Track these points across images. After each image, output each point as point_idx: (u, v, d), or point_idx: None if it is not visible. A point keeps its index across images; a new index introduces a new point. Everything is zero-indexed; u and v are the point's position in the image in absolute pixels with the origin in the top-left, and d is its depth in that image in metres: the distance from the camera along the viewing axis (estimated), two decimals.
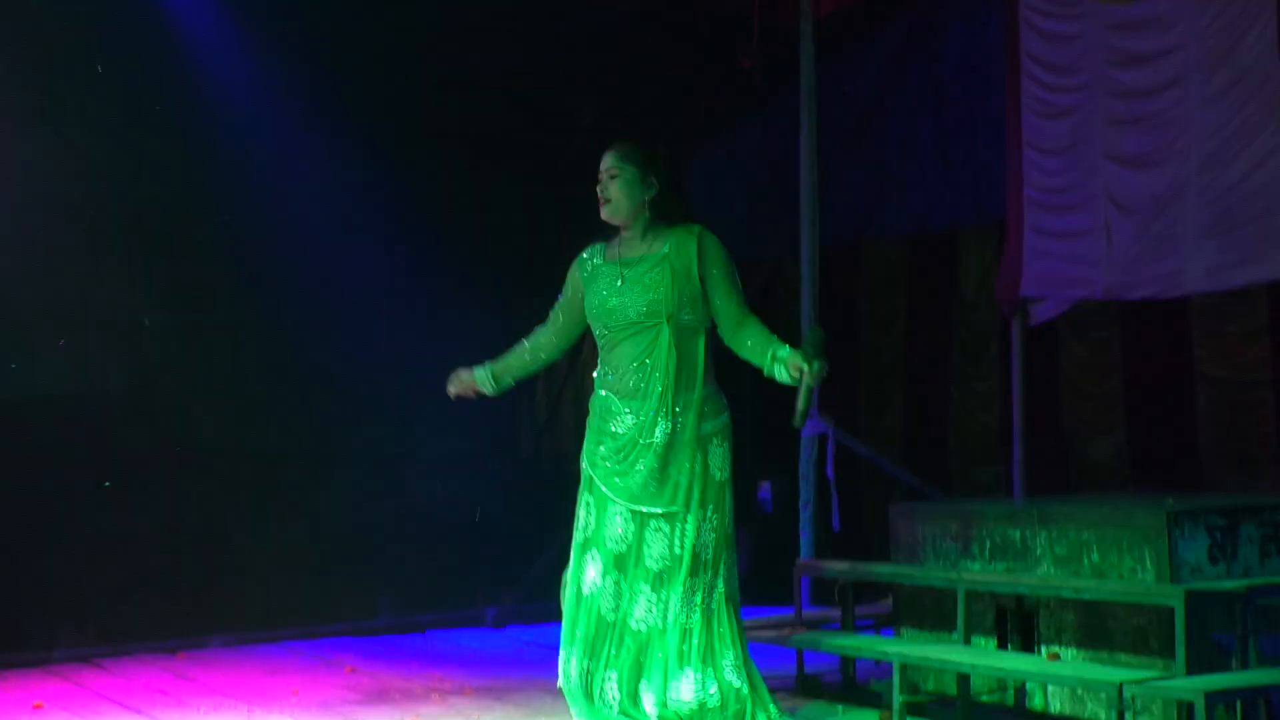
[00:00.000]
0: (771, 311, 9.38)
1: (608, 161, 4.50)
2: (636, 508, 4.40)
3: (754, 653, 6.14)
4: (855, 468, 8.03)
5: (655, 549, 4.40)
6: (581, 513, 4.55)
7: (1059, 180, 6.82)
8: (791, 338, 7.99)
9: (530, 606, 8.00)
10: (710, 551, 4.50)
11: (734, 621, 4.61)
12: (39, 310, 7.19)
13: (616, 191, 4.46)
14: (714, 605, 4.53)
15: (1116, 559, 5.12)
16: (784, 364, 4.35)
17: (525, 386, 9.48)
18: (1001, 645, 5.51)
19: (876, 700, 5.74)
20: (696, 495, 4.45)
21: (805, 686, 6.08)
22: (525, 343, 4.77)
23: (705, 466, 4.49)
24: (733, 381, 9.30)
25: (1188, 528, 4.98)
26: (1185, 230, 6.26)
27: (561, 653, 4.66)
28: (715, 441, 4.53)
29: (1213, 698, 4.44)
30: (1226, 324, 7.01)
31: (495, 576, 8.11)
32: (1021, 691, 5.44)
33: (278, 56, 7.48)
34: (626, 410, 4.38)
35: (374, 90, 7.79)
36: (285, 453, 7.79)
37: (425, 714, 5.76)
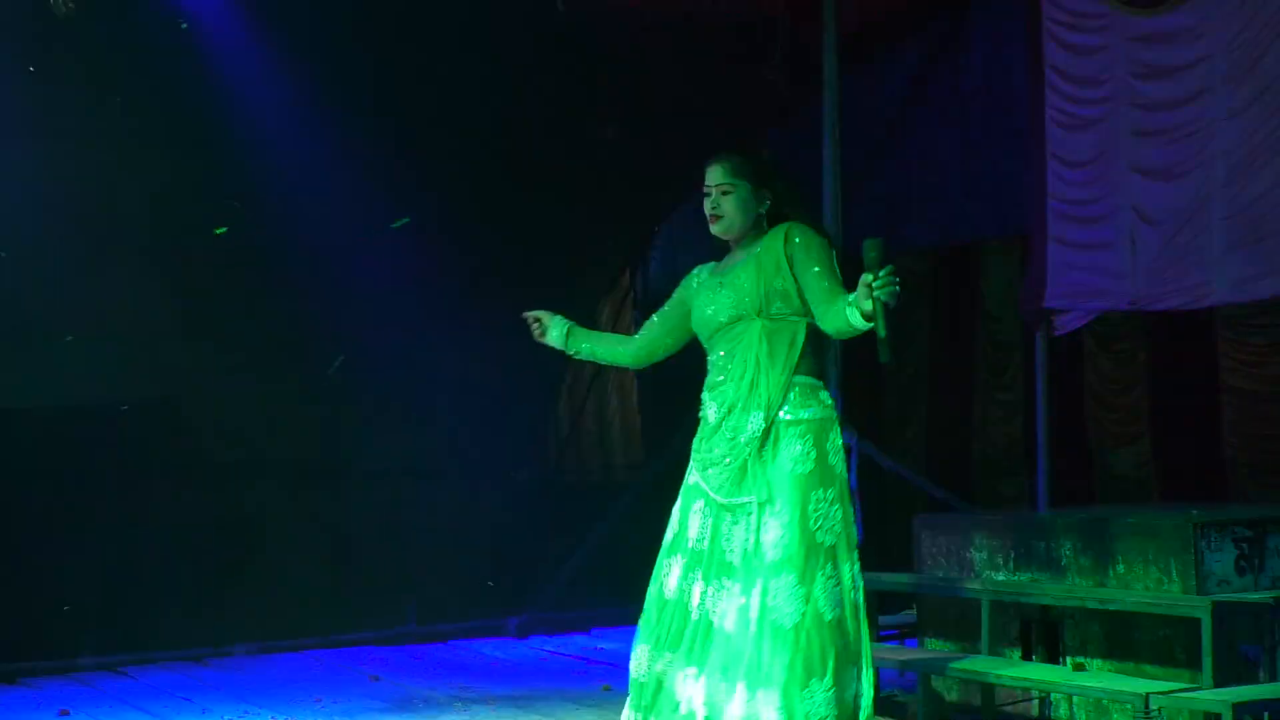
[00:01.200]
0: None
1: (717, 177, 4.31)
2: (716, 498, 4.18)
3: None
4: (879, 479, 8.02)
5: (734, 540, 4.13)
6: (674, 512, 4.31)
7: (1083, 192, 6.82)
8: None
9: (553, 616, 8.01)
10: (784, 550, 4.05)
11: (825, 638, 4.05)
12: (63, 320, 7.23)
13: (731, 209, 4.28)
14: (794, 616, 4.02)
15: (1142, 570, 5.10)
16: (851, 305, 3.93)
17: (549, 399, 9.54)
18: (1026, 656, 5.49)
19: (901, 711, 5.73)
20: (772, 487, 4.10)
21: None
22: (620, 337, 4.70)
23: (779, 457, 4.12)
24: None
25: (1214, 539, 4.97)
26: (1210, 242, 6.25)
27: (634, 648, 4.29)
28: (797, 432, 4.14)
29: (1240, 709, 4.43)
30: (1252, 335, 6.99)
31: (518, 586, 8.12)
32: (1046, 702, 5.43)
33: (296, 68, 7.52)
34: (713, 402, 4.24)
35: (393, 100, 7.83)
36: (310, 462, 7.83)
37: None
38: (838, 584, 4.10)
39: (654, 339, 4.49)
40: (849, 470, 7.35)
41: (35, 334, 7.13)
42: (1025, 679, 5.21)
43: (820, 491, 4.13)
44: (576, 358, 4.65)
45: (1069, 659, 5.33)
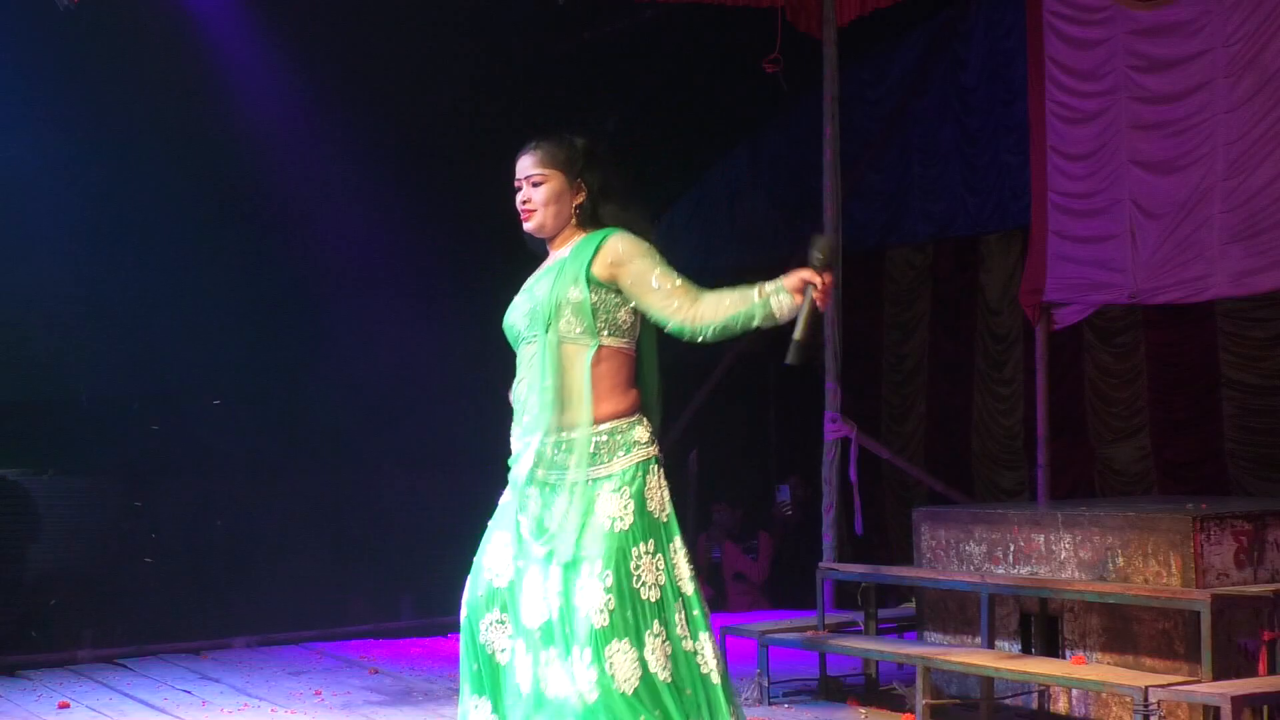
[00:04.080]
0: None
1: (527, 166, 3.73)
2: (531, 540, 3.63)
3: (777, 655, 6.18)
4: (878, 471, 8.03)
5: (529, 597, 3.60)
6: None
7: (1083, 185, 6.82)
8: (814, 340, 8.00)
9: None
10: (593, 619, 3.48)
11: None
12: (66, 315, 7.22)
13: (539, 202, 3.71)
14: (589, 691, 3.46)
15: (1142, 563, 5.11)
16: (783, 290, 3.49)
17: None
18: (1025, 649, 5.50)
19: (900, 703, 5.73)
20: (579, 543, 3.55)
21: (828, 689, 6.08)
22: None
23: (591, 512, 3.57)
24: (750, 382, 9.35)
25: (1214, 532, 4.97)
26: (1210, 235, 6.25)
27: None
28: (612, 484, 3.58)
29: (1239, 702, 4.43)
30: (1252, 329, 6.99)
31: None
32: (1045, 695, 5.43)
33: (297, 66, 7.50)
34: (516, 431, 3.70)
35: (393, 98, 7.82)
36: (309, 456, 7.82)
37: (448, 715, 5.77)
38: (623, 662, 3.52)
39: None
40: (849, 462, 7.43)
41: (34, 329, 7.12)
42: (1024, 672, 5.21)
43: (643, 551, 3.56)
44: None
45: (1068, 652, 5.33)
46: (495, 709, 3.70)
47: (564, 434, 3.61)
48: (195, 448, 7.60)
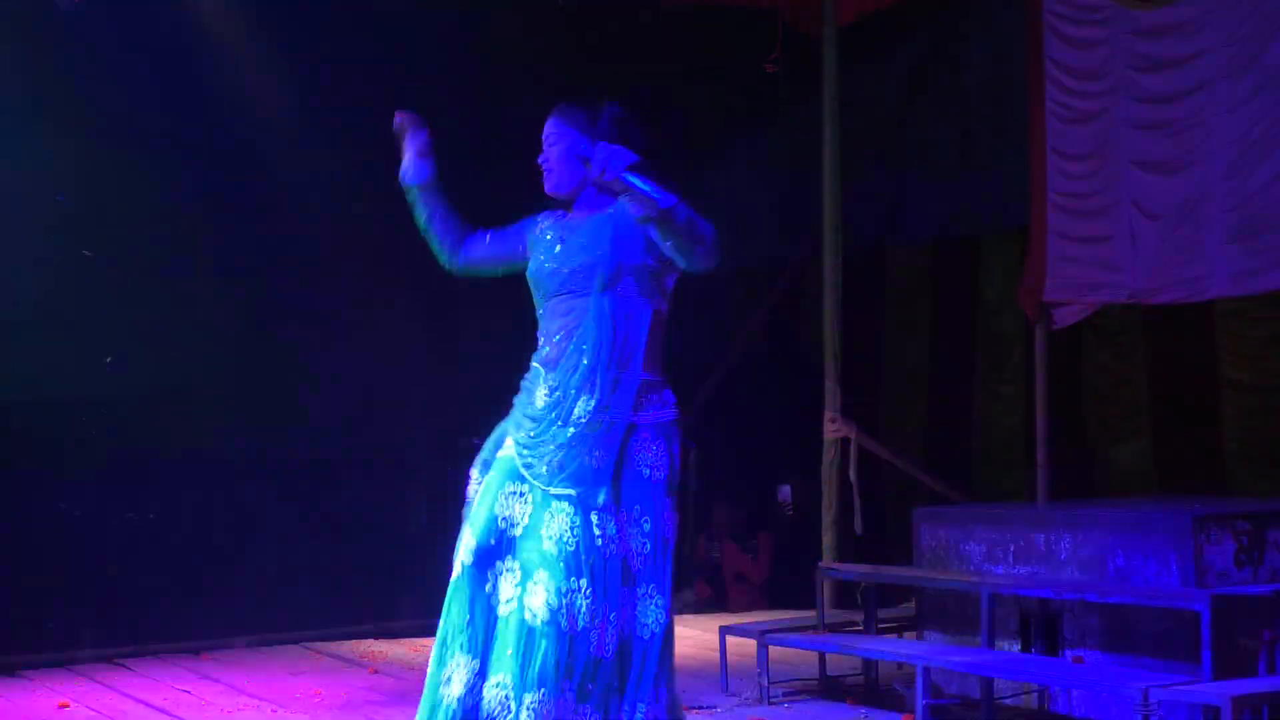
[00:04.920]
0: (793, 316, 9.42)
1: (547, 126, 3.91)
2: (545, 487, 3.70)
3: (777, 655, 6.18)
4: (878, 471, 8.02)
5: (554, 528, 3.66)
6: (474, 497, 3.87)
7: (1083, 185, 6.81)
8: (813, 340, 8.00)
9: None
10: (639, 561, 3.68)
11: (662, 658, 3.70)
12: (62, 316, 7.22)
13: (553, 161, 3.86)
14: (639, 632, 3.67)
15: (1142, 563, 5.11)
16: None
17: None
18: (1025, 649, 5.50)
19: (900, 703, 5.73)
20: (616, 488, 3.69)
21: (828, 689, 6.08)
22: (464, 231, 4.07)
23: (630, 460, 3.72)
24: (750, 382, 9.34)
25: (1214, 532, 4.98)
26: (1210, 235, 6.25)
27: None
28: (651, 436, 3.74)
29: (1239, 703, 4.43)
30: (1252, 329, 6.98)
31: None
32: (1045, 695, 5.43)
33: (292, 65, 7.50)
34: (548, 382, 3.74)
35: (389, 93, 7.80)
36: (307, 455, 7.81)
37: None
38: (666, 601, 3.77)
39: (485, 256, 3.99)
40: (849, 462, 7.42)
41: (34, 328, 7.11)
42: (1024, 673, 5.22)
43: (669, 504, 3.75)
44: (409, 198, 4.15)
45: (1068, 652, 5.33)
46: (485, 668, 3.69)
47: (611, 383, 3.70)
48: (195, 447, 7.59)
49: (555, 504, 3.70)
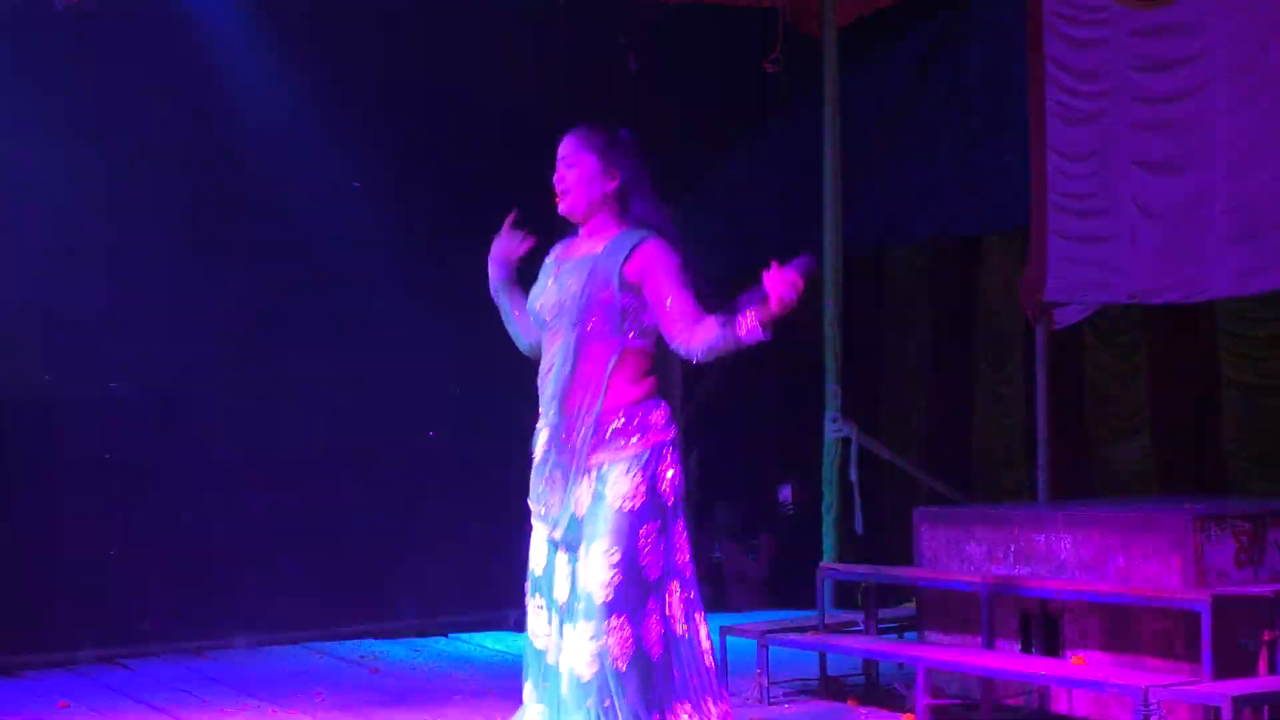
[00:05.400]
0: (795, 315, 9.40)
1: (563, 148, 3.91)
2: (549, 531, 3.84)
3: (777, 655, 6.18)
4: (878, 471, 8.02)
5: (559, 577, 3.82)
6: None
7: (1083, 185, 6.81)
8: (814, 340, 8.00)
9: None
10: (600, 595, 3.69)
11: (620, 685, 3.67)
12: (69, 314, 7.21)
13: (570, 183, 3.87)
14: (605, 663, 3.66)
15: (1142, 563, 5.11)
16: (755, 326, 3.64)
17: None
18: (1026, 649, 5.50)
19: (900, 703, 5.73)
20: (592, 523, 3.73)
21: (829, 689, 6.08)
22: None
23: (597, 493, 3.75)
24: (750, 382, 9.34)
25: (1214, 532, 4.97)
26: (1211, 235, 6.24)
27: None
28: (625, 469, 3.74)
29: (1239, 702, 4.43)
30: (1252, 329, 6.98)
31: (517, 579, 8.10)
32: (1045, 695, 5.43)
33: (293, 66, 7.49)
34: (541, 423, 3.87)
35: (390, 98, 7.81)
36: (307, 456, 7.80)
37: (448, 715, 5.78)
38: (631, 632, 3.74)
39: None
40: (850, 462, 7.42)
41: (34, 327, 7.11)
42: (1024, 672, 5.21)
43: (641, 529, 3.73)
44: (501, 305, 4.14)
45: (1068, 652, 5.33)
46: (539, 696, 3.92)
47: (579, 419, 3.76)
48: (196, 447, 7.59)
49: (558, 545, 3.84)
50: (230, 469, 7.68)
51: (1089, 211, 6.77)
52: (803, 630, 6.24)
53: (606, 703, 3.66)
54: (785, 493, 9.24)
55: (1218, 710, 4.48)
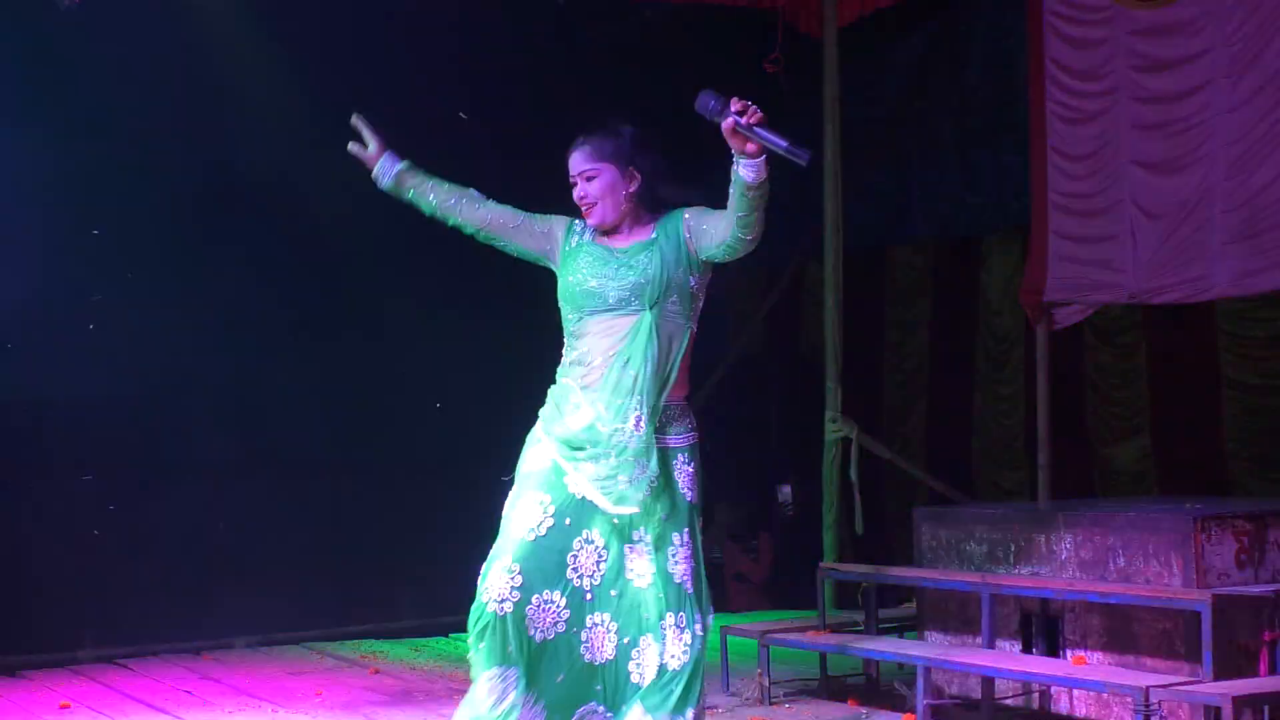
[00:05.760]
0: (795, 315, 9.42)
1: (580, 163, 3.93)
2: (610, 515, 3.83)
3: (777, 655, 6.18)
4: (878, 471, 8.03)
5: (583, 563, 3.84)
6: (536, 513, 3.86)
7: (1084, 185, 6.82)
8: (815, 340, 7.99)
9: None
10: (687, 584, 3.86)
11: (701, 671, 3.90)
12: (68, 314, 7.22)
13: (599, 194, 3.90)
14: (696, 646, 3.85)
15: (1142, 563, 5.11)
16: (736, 161, 3.66)
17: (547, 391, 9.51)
18: (1026, 649, 5.50)
19: (901, 703, 5.73)
20: (664, 510, 3.86)
21: (829, 689, 6.08)
22: (467, 191, 4.09)
23: (671, 480, 3.90)
24: (750, 382, 9.33)
25: (1215, 532, 4.97)
26: (1211, 235, 6.25)
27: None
28: (684, 458, 3.94)
29: (1240, 702, 4.43)
30: (1252, 329, 6.99)
31: None
32: (1046, 695, 5.43)
33: (298, 66, 7.49)
34: (591, 403, 3.81)
35: (389, 98, 7.79)
36: (308, 456, 7.81)
37: (448, 715, 5.76)
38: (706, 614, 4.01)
39: (507, 227, 4.00)
40: (849, 462, 7.41)
41: (34, 327, 7.11)
42: (1025, 672, 5.22)
43: (698, 525, 3.98)
44: (399, 197, 4.20)
45: (1068, 652, 5.33)
46: (531, 683, 3.83)
47: (650, 401, 3.81)
48: (196, 447, 7.59)
49: (616, 533, 3.86)
50: (230, 469, 7.68)
51: (1089, 211, 6.77)
52: (803, 630, 6.24)
53: (688, 687, 3.80)
54: (785, 493, 9.24)
55: (1218, 710, 4.48)
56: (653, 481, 3.82)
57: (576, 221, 4.02)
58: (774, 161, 3.69)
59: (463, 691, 6.18)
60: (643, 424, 3.80)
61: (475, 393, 7.88)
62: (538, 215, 4.06)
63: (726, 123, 3.63)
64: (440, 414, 8.01)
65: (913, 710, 5.42)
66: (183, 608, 7.37)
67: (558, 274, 3.98)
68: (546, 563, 3.81)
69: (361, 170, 4.35)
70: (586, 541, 3.85)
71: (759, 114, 3.61)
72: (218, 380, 7.61)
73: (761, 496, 9.37)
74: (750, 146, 3.62)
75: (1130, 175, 6.56)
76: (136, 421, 7.41)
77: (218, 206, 7.53)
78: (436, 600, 7.99)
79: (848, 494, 7.49)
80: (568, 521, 3.85)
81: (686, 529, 3.88)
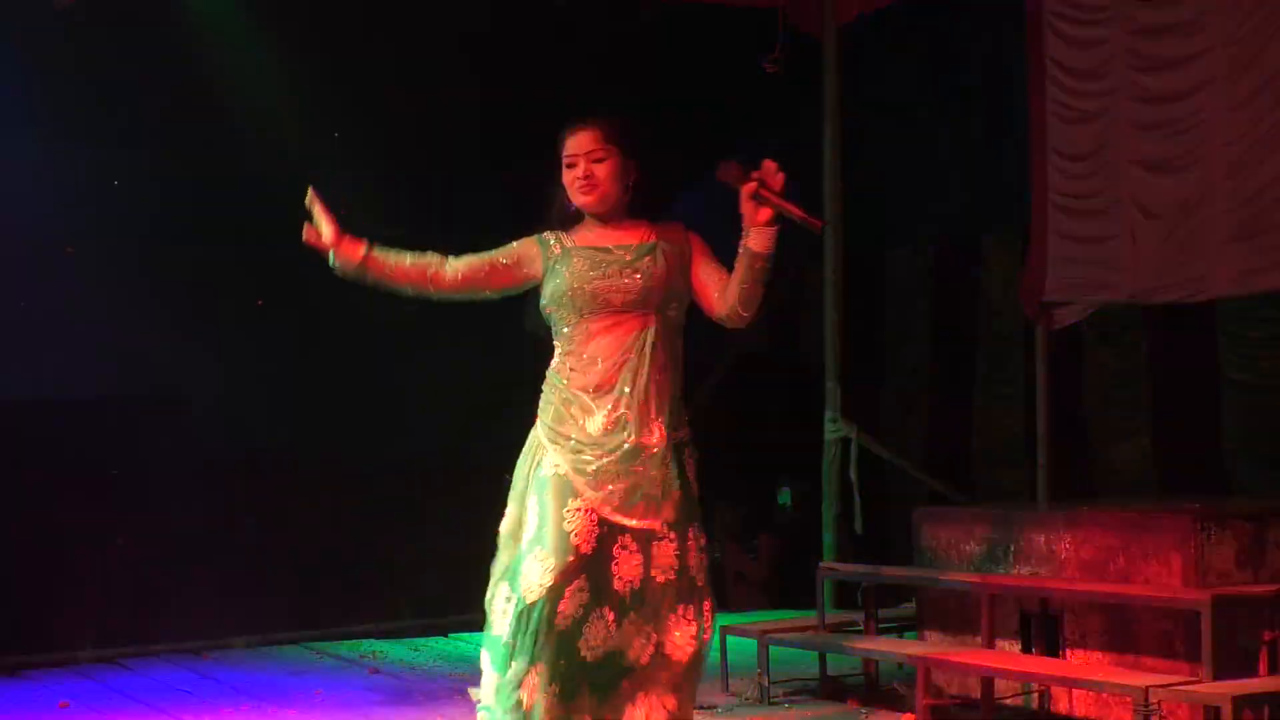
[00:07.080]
0: (795, 315, 9.41)
1: (587, 143, 3.81)
2: (610, 518, 3.74)
3: (777, 655, 6.18)
4: (878, 471, 8.02)
5: (625, 568, 3.75)
6: (532, 518, 3.81)
7: (1084, 185, 6.81)
8: (815, 341, 8.00)
9: None
10: (700, 577, 3.85)
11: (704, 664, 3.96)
12: (68, 315, 7.21)
13: (604, 178, 3.80)
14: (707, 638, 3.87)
15: (1142, 563, 5.11)
16: (749, 232, 3.68)
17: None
18: (1026, 649, 5.50)
19: (900, 703, 5.73)
20: (681, 509, 3.83)
21: (828, 689, 6.08)
22: (429, 257, 3.94)
23: (684, 478, 3.86)
24: (750, 382, 9.33)
25: (1214, 532, 4.97)
26: (1211, 235, 6.24)
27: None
28: (688, 452, 3.93)
29: (1239, 702, 4.43)
30: (1252, 329, 6.99)
31: None
32: (1045, 695, 5.43)
33: (305, 63, 7.49)
34: (599, 408, 3.77)
35: (389, 99, 7.81)
36: (308, 457, 7.81)
37: (448, 715, 5.77)
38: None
39: (480, 277, 3.90)
40: (849, 462, 7.41)
41: (33, 328, 7.11)
42: (1024, 672, 5.21)
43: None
44: (368, 282, 4.06)
45: (1068, 652, 5.33)
46: (553, 678, 3.70)
47: (658, 403, 3.81)
48: (196, 448, 7.59)
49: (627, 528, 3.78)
50: (230, 469, 7.68)
51: (1089, 211, 6.77)
52: (803, 630, 6.24)
53: (694, 681, 3.89)
54: (785, 493, 9.24)
55: (1218, 710, 4.48)
56: (670, 485, 3.83)
57: (546, 233, 3.92)
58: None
59: (463, 692, 6.21)
60: (663, 432, 3.80)
61: (474, 393, 7.88)
62: (498, 250, 3.95)
63: (748, 186, 3.64)
64: (440, 414, 8.01)
65: (912, 710, 5.41)
66: (182, 608, 7.36)
67: (543, 283, 3.88)
68: (601, 580, 3.74)
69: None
70: (622, 548, 3.77)
71: (781, 178, 3.65)
72: (217, 380, 7.61)
73: (761, 496, 9.37)
74: (764, 214, 3.65)
75: (1130, 175, 6.56)
76: (137, 422, 7.41)
77: (212, 209, 7.53)
78: (436, 600, 7.99)
79: (848, 494, 7.49)
80: (604, 530, 3.78)
81: (699, 522, 3.91)
